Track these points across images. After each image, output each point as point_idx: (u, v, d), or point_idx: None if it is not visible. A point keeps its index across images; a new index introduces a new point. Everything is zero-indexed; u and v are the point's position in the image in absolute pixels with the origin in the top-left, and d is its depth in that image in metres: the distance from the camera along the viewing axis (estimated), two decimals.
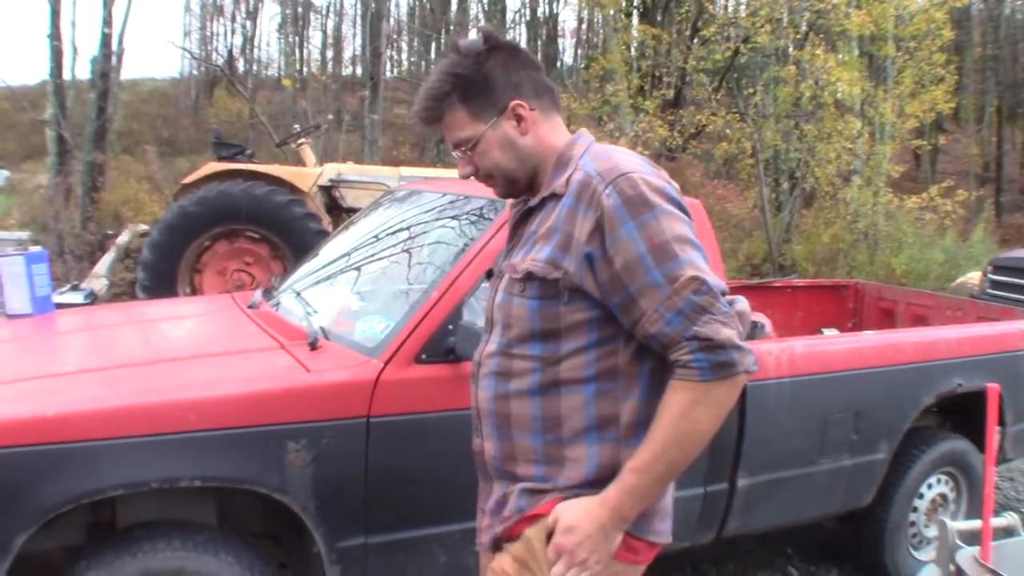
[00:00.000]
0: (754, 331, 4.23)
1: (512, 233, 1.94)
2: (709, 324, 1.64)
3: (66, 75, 16.63)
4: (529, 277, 1.76)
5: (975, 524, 2.62)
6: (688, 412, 1.65)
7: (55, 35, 16.09)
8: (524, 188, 1.90)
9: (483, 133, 1.83)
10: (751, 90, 15.24)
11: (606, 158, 1.77)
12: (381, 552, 2.84)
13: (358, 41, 43.36)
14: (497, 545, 1.89)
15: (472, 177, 1.90)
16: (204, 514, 2.79)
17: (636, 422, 1.75)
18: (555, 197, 1.80)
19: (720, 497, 3.44)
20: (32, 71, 38.66)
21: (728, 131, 14.23)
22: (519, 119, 1.84)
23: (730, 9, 18.19)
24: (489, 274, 2.05)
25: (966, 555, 2.52)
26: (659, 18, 18.98)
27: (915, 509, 4.06)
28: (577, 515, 1.69)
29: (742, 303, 1.83)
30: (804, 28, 14.62)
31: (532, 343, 1.78)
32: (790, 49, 15.10)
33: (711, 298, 1.65)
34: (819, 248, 13.60)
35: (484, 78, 1.81)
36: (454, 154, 1.91)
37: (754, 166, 14.42)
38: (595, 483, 1.74)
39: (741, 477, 3.45)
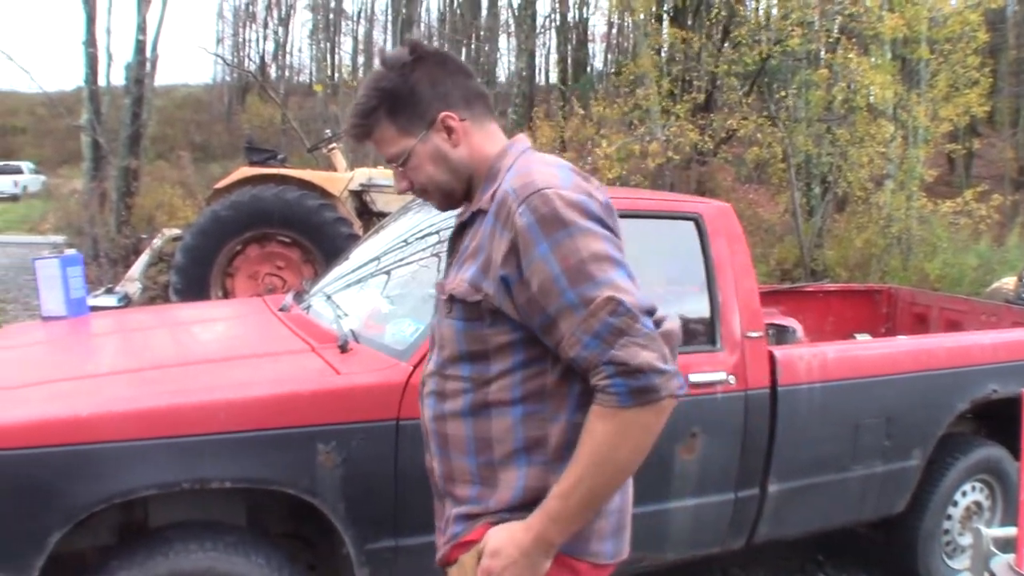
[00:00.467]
0: (785, 335, 4.21)
1: (450, 247, 1.90)
2: (626, 347, 1.56)
3: (101, 81, 16.85)
4: (452, 299, 1.73)
5: (1010, 531, 2.59)
6: (608, 439, 1.58)
7: (91, 42, 16.30)
8: (461, 200, 1.85)
9: (413, 147, 1.77)
10: (782, 94, 15.13)
11: (524, 172, 1.70)
12: (411, 554, 2.84)
13: (389, 46, 43.57)
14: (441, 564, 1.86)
15: (410, 192, 1.85)
16: (234, 515, 2.81)
17: (565, 444, 1.68)
18: (482, 213, 1.74)
19: (751, 502, 3.43)
20: (68, 77, 39.21)
21: (759, 135, 14.14)
22: (449, 131, 1.78)
23: (761, 12, 18.09)
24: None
25: (1001, 562, 2.49)
26: (689, 22, 18.91)
27: (949, 516, 4.01)
28: (502, 539, 1.65)
29: (672, 322, 1.71)
30: (836, 31, 14.51)
31: (462, 364, 1.74)
32: (822, 53, 14.99)
33: (629, 319, 1.56)
34: (851, 253, 13.49)
35: (410, 91, 1.76)
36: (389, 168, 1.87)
37: (785, 170, 14.34)
38: (523, 506, 1.68)
39: (772, 482, 3.43)
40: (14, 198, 31.82)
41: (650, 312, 1.62)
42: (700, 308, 3.39)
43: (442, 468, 1.81)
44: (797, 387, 3.41)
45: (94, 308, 4.32)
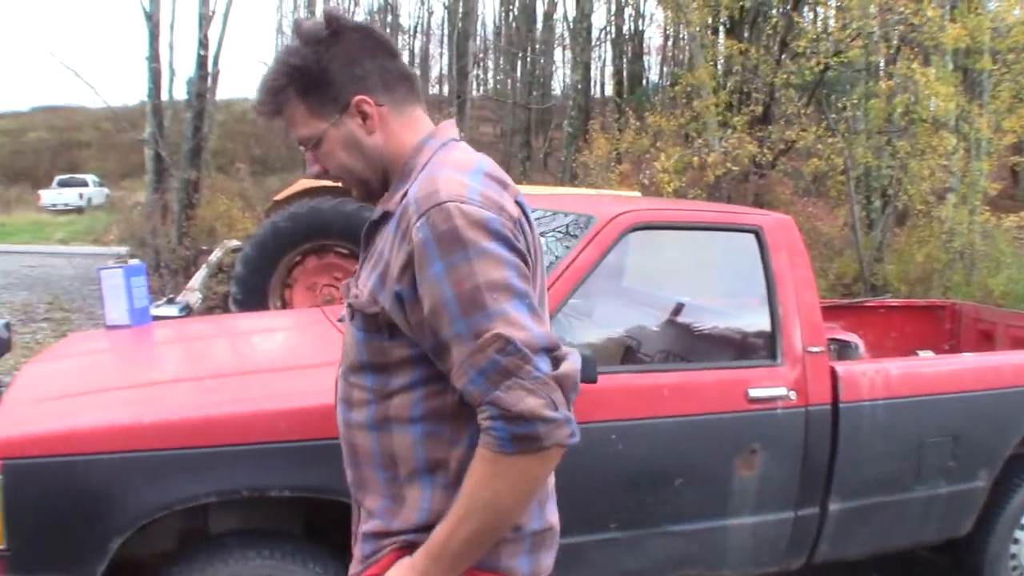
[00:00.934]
0: (847, 351, 4.14)
1: (365, 245, 1.72)
2: (511, 390, 1.43)
3: (164, 96, 17.18)
4: (352, 309, 1.63)
5: None
6: (487, 482, 1.47)
7: (154, 57, 16.64)
8: (379, 191, 1.69)
9: (325, 131, 1.63)
10: (841, 105, 14.94)
11: (430, 178, 1.54)
12: None
13: (444, 60, 43.89)
14: None
15: (322, 177, 1.71)
16: (292, 523, 2.83)
17: (465, 471, 1.53)
18: (389, 216, 1.61)
19: (811, 521, 3.37)
20: (132, 92, 40.07)
21: (819, 147, 13.97)
22: (364, 116, 1.63)
23: (819, 23, 17.90)
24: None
25: None
26: (746, 33, 18.79)
27: (1016, 540, 3.90)
28: None
29: (571, 363, 1.52)
30: (896, 42, 14.30)
31: (364, 374, 1.63)
32: (881, 63, 14.78)
33: (518, 360, 1.43)
34: (912, 268, 13.23)
35: (323, 70, 1.60)
36: (300, 149, 1.71)
37: (844, 183, 14.12)
38: (428, 528, 1.56)
39: (833, 501, 3.37)
40: (79, 210, 32.59)
41: (550, 349, 1.48)
42: (760, 322, 3.34)
43: (353, 476, 1.71)
44: (859, 404, 3.35)
45: (156, 318, 4.39)
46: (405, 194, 1.57)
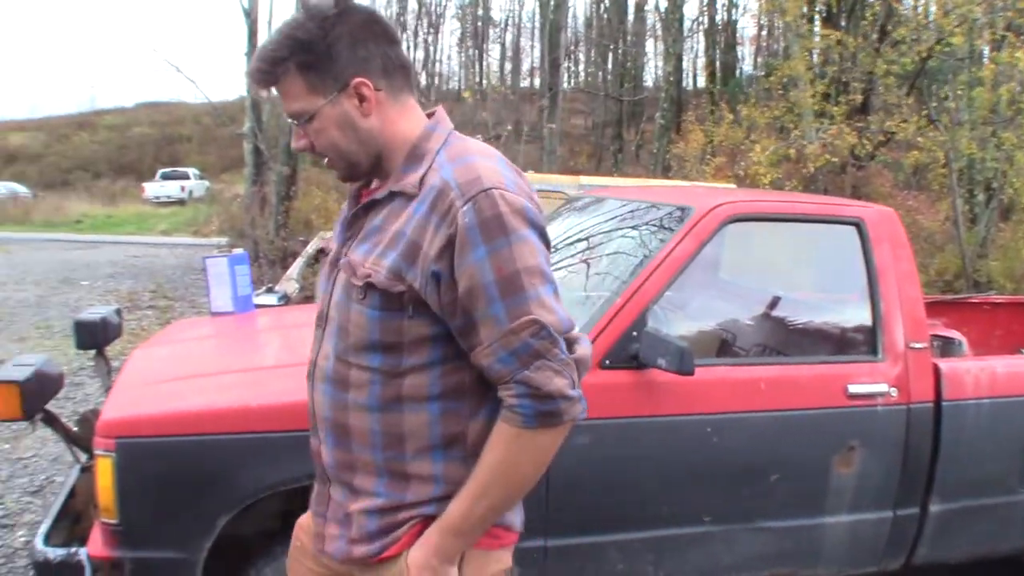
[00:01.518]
0: (951, 348, 4.03)
1: (351, 221, 1.74)
2: (541, 371, 1.54)
3: (262, 91, 17.53)
4: (371, 287, 1.60)
5: None
6: (509, 456, 1.58)
7: (252, 53, 16.98)
8: (366, 173, 1.72)
9: (320, 108, 1.63)
10: (944, 95, 14.50)
11: (467, 165, 1.60)
12: (560, 556, 2.86)
13: (536, 53, 43.85)
14: (351, 561, 1.75)
15: (308, 152, 1.71)
16: None
17: (482, 442, 1.62)
18: (405, 196, 1.63)
19: (910, 522, 3.29)
20: (231, 88, 41.05)
21: (920, 139, 13.58)
22: (361, 98, 1.64)
23: (920, 9, 17.38)
24: (320, 251, 1.84)
25: None
26: (843, 22, 18.35)
27: None
28: (419, 561, 1.62)
29: (584, 347, 1.68)
30: (1002, 28, 13.80)
31: (372, 354, 1.63)
32: (986, 51, 14.29)
33: (549, 344, 1.54)
34: (1018, 264, 12.79)
35: (327, 47, 1.61)
36: (289, 121, 1.70)
37: (947, 176, 13.72)
38: (444, 498, 1.63)
39: (934, 502, 3.29)
40: (181, 202, 33.62)
41: (568, 331, 1.58)
42: (861, 316, 3.28)
43: (336, 457, 1.72)
44: (963, 402, 3.26)
45: (258, 306, 4.50)
46: (424, 178, 1.61)
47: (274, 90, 1.67)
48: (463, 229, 1.52)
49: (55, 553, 2.68)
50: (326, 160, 1.70)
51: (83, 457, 3.24)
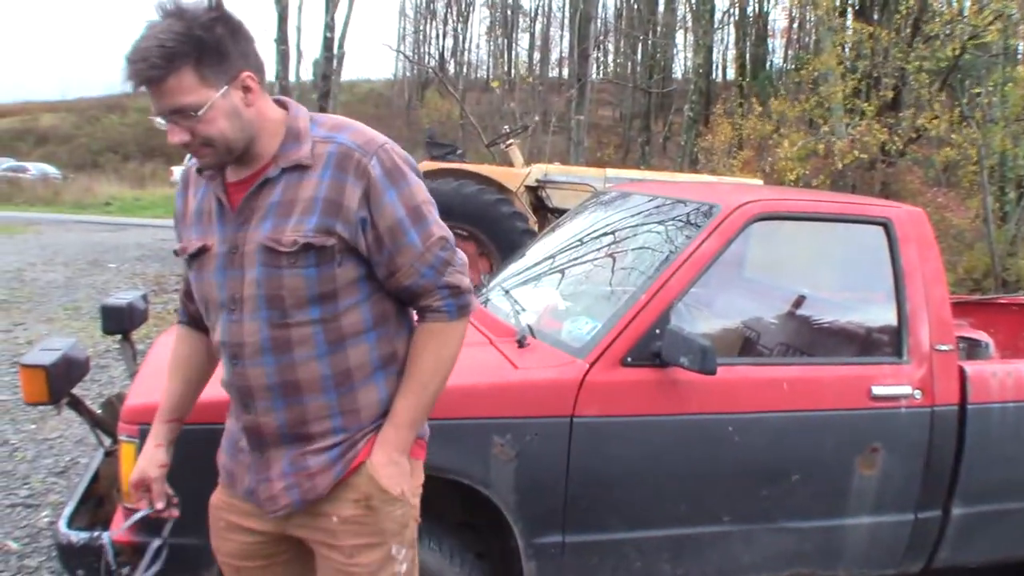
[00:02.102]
0: (977, 351, 4.00)
1: (240, 208, 1.90)
2: (453, 275, 1.96)
3: (291, 77, 17.68)
4: (307, 248, 1.83)
5: None
6: (440, 348, 1.98)
7: (282, 39, 17.11)
8: (236, 158, 1.88)
9: (212, 100, 1.77)
10: (977, 91, 14.33)
11: (355, 130, 1.92)
12: (577, 552, 2.86)
13: (565, 43, 43.79)
14: (314, 499, 1.96)
15: (184, 145, 1.82)
16: None
17: (407, 354, 2.01)
18: (299, 168, 1.86)
19: (932, 524, 3.27)
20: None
21: (953, 135, 13.43)
22: (246, 90, 1.83)
23: (954, 4, 17.19)
24: (193, 254, 1.97)
25: None
26: (876, 16, 18.18)
27: None
28: (383, 462, 1.95)
29: (461, 252, 2.05)
30: None
31: (311, 308, 1.87)
32: (1021, 47, 14.12)
33: (452, 253, 1.97)
34: None
35: (217, 43, 1.76)
36: (158, 121, 1.82)
37: (977, 173, 13.58)
38: (387, 412, 1.98)
39: (956, 505, 3.26)
40: None
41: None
42: (886, 317, 3.26)
43: (288, 417, 1.93)
44: (989, 406, 3.23)
45: None
46: (312, 150, 1.87)
47: (142, 88, 1.76)
48: (375, 179, 1.86)
49: (78, 536, 2.70)
50: (198, 151, 1.84)
51: (107, 441, 3.27)
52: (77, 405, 3.15)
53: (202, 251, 1.95)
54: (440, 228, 1.96)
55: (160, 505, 2.14)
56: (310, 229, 1.83)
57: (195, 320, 2.17)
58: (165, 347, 3.36)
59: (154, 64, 1.71)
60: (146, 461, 2.13)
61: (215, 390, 2.58)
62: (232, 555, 2.12)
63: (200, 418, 2.37)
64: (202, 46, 1.74)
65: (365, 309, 1.94)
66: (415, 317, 2.05)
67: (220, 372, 2.25)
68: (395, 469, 1.97)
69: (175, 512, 2.18)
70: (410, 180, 1.92)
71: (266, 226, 1.86)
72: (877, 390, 3.07)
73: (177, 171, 35.17)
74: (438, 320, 1.97)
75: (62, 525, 2.77)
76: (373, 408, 1.98)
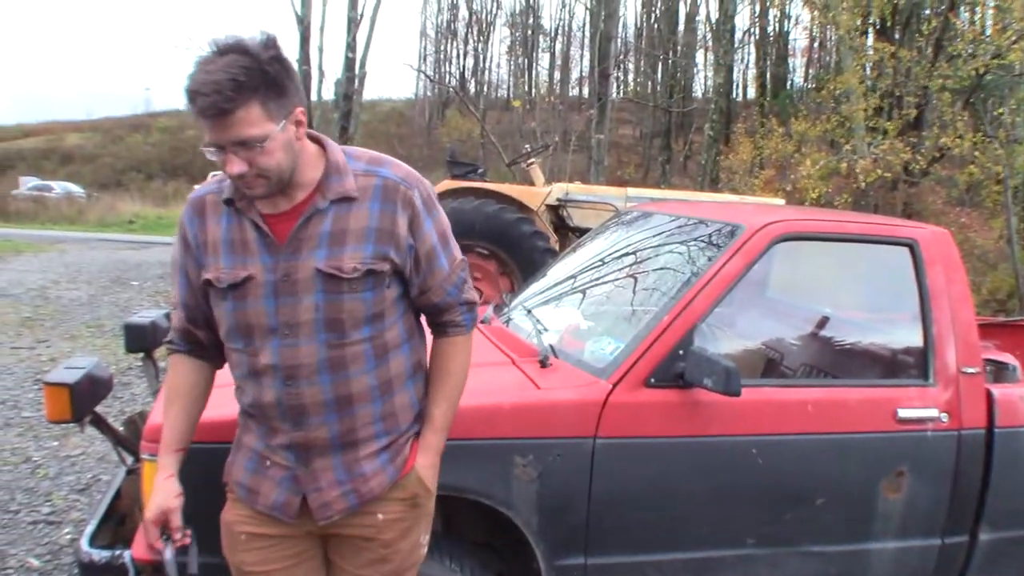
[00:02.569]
0: (1004, 373, 3.95)
1: (289, 238, 1.99)
2: (469, 291, 2.24)
3: (313, 96, 17.78)
4: (368, 274, 1.99)
5: None
6: (464, 359, 2.26)
7: (304, 60, 17.26)
8: (283, 189, 1.98)
9: (273, 133, 1.86)
10: (1000, 111, 14.25)
11: (393, 164, 2.11)
12: (599, 574, 2.83)
13: (585, 62, 43.93)
14: (371, 500, 2.12)
15: (239, 176, 1.89)
16: (432, 520, 2.88)
17: (427, 362, 2.25)
18: (348, 200, 2.00)
19: (958, 550, 3.22)
20: None
21: (976, 154, 13.35)
22: (298, 124, 1.94)
23: (977, 23, 17.12)
24: (236, 283, 2.02)
25: None
26: (897, 35, 18.11)
27: None
28: (429, 464, 2.20)
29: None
30: None
31: (364, 328, 2.04)
32: None
33: (466, 272, 2.23)
34: None
35: (278, 79, 1.86)
36: (210, 151, 1.90)
37: (1001, 193, 13.49)
38: (419, 413, 2.21)
39: (983, 530, 3.22)
40: None
41: None
42: (912, 339, 3.22)
43: (340, 428, 2.06)
44: (1017, 429, 3.19)
45: None
46: (356, 183, 2.02)
47: (205, 120, 1.83)
48: (418, 208, 2.07)
49: (100, 554, 2.71)
50: (251, 181, 1.91)
51: (129, 459, 3.28)
52: (100, 423, 3.16)
53: (247, 280, 2.00)
54: (459, 250, 2.22)
55: (178, 536, 2.16)
56: (368, 256, 1.99)
57: (196, 348, 2.23)
58: None
59: (227, 96, 1.79)
60: (163, 495, 2.14)
61: (223, 411, 2.59)
62: (257, 563, 2.18)
63: (212, 437, 2.39)
64: (267, 81, 1.84)
65: (401, 325, 2.14)
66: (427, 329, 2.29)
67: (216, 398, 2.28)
68: (435, 470, 2.23)
69: (187, 540, 2.19)
70: (439, 209, 2.16)
71: (320, 254, 1.98)
72: (903, 413, 3.04)
73: None
74: (459, 334, 2.24)
75: (84, 543, 2.77)
76: (407, 412, 2.17)
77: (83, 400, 2.93)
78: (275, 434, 2.09)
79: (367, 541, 2.16)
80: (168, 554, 2.16)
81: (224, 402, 2.77)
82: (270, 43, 1.88)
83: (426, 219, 2.09)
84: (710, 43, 35.26)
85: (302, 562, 2.20)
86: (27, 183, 36.86)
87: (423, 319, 2.28)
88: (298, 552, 2.18)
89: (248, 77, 1.80)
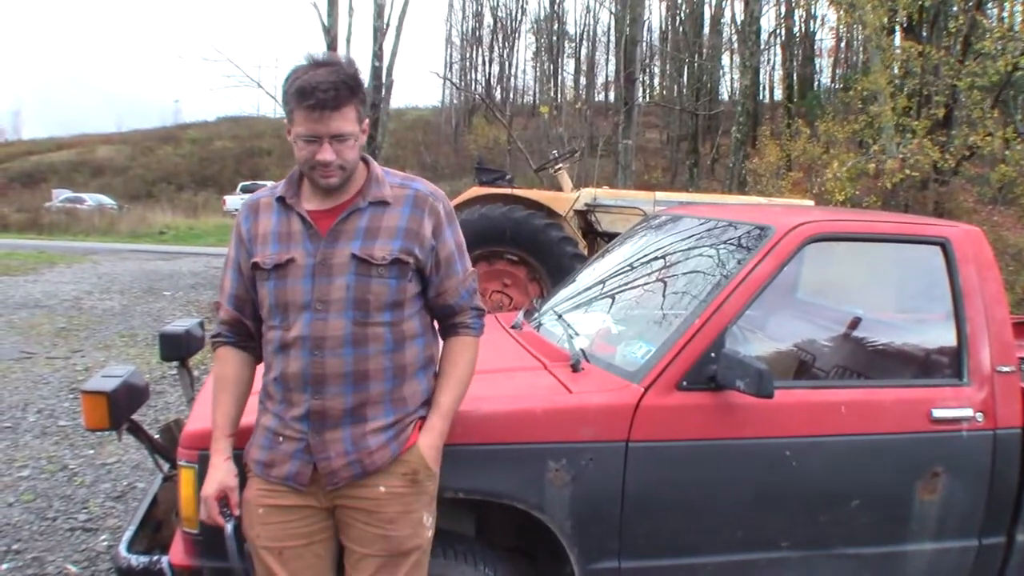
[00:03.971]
0: None
1: (331, 229, 2.31)
2: (478, 299, 2.53)
3: None
4: (395, 262, 2.30)
5: None
6: (472, 358, 2.50)
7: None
8: (341, 186, 2.32)
9: (356, 133, 2.27)
10: None
11: (422, 180, 2.47)
12: None
13: (611, 67, 43.89)
14: (373, 471, 2.32)
15: (326, 164, 2.23)
16: (464, 525, 2.89)
17: (437, 357, 2.50)
18: (383, 203, 2.34)
19: (996, 551, 3.18)
20: None
21: (1007, 152, 13.19)
22: (363, 132, 2.32)
23: (1005, 20, 16.93)
24: (280, 264, 2.31)
25: None
26: (925, 34, 17.96)
27: None
28: (432, 445, 2.39)
29: None
30: None
31: (385, 312, 2.31)
32: None
33: (476, 283, 2.52)
34: None
35: (365, 94, 2.32)
36: (302, 142, 2.23)
37: None
38: (427, 401, 2.43)
39: (1021, 532, 3.17)
40: None
41: None
42: (945, 338, 3.20)
43: (354, 401, 2.29)
44: None
45: None
46: (393, 192, 2.37)
47: (317, 112, 2.19)
48: (441, 217, 2.41)
49: (138, 560, 2.74)
50: (332, 171, 2.27)
51: (165, 467, 3.32)
52: (137, 431, 3.20)
53: (289, 262, 2.30)
54: (471, 264, 2.55)
55: (238, 512, 2.39)
56: (396, 249, 2.30)
57: (243, 339, 2.50)
58: None
59: (343, 94, 2.19)
60: (223, 473, 2.38)
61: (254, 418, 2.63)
62: (274, 538, 2.35)
63: (240, 444, 2.43)
64: (362, 90, 2.27)
65: (417, 319, 2.41)
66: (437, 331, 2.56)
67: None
68: (437, 452, 2.41)
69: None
70: (457, 224, 2.50)
71: (355, 244, 2.29)
72: (938, 413, 3.01)
73: (230, 200, 35.91)
74: (469, 335, 2.52)
75: (122, 549, 2.81)
76: (416, 398, 2.40)
77: (120, 408, 2.97)
78: (292, 406, 2.33)
79: (370, 515, 2.34)
80: (229, 528, 2.37)
81: (250, 409, 2.80)
82: (355, 64, 2.28)
83: (447, 228, 2.43)
84: (736, 45, 35.11)
85: (313, 543, 2.37)
86: (59, 195, 37.36)
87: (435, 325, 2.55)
88: (310, 532, 2.36)
89: (354, 82, 2.22)
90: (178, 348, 3.68)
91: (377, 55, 17.41)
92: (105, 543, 4.39)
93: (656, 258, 3.67)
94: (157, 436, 3.43)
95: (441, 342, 2.53)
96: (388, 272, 2.30)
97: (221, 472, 2.37)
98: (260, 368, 2.49)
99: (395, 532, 2.34)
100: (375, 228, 2.32)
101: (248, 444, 2.42)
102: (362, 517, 2.34)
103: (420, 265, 2.36)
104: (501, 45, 54.31)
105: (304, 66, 2.24)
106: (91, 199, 36.55)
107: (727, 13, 40.63)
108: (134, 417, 3.16)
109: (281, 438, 2.34)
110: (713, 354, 2.79)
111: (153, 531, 3.08)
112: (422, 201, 2.38)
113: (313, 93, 2.16)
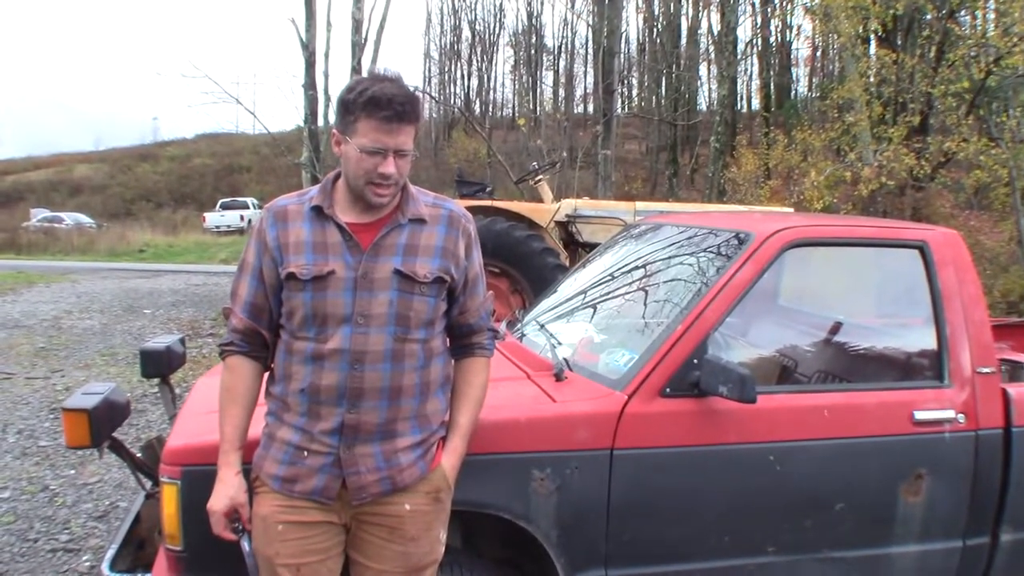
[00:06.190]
0: (1020, 373, 3.94)
1: (375, 243, 2.30)
2: (493, 322, 2.59)
3: (320, 121, 17.83)
4: (436, 281, 2.33)
5: None
6: (486, 377, 2.54)
7: (310, 85, 17.33)
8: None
9: (411, 150, 2.29)
10: (1004, 116, 14.23)
11: (453, 202, 2.50)
12: None
13: (589, 79, 44.04)
14: (402, 489, 2.33)
15: (386, 176, 2.24)
16: (450, 536, 2.88)
17: (452, 377, 2.51)
18: (421, 221, 2.36)
19: (980, 552, 3.20)
20: (289, 118, 41.89)
21: (982, 157, 13.32)
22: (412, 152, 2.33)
23: (978, 27, 17.10)
24: (320, 276, 2.27)
25: None
26: (899, 42, 18.11)
27: None
28: (453, 465, 2.43)
29: None
30: None
31: (421, 329, 2.33)
32: None
33: (492, 305, 2.57)
34: None
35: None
36: (368, 152, 2.22)
37: (1009, 195, 13.45)
38: (444, 421, 2.44)
39: (1004, 532, 3.20)
40: (240, 231, 34.16)
41: None
42: (926, 341, 3.22)
43: (386, 415, 2.29)
44: None
45: None
46: (430, 211, 2.40)
47: (393, 124, 2.21)
48: (472, 239, 2.47)
49: None
50: (387, 186, 2.28)
51: (148, 484, 3.29)
52: (118, 448, 3.18)
53: (329, 274, 2.26)
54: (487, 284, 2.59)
55: (249, 527, 2.35)
56: (435, 268, 2.33)
57: (255, 348, 2.42)
58: (206, 389, 3.38)
59: (415, 109, 2.23)
60: (235, 489, 2.33)
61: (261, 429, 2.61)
62: (293, 555, 2.29)
63: (245, 459, 2.39)
64: (421, 113, 2.30)
65: (440, 338, 2.44)
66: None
67: (264, 411, 2.27)
68: (457, 471, 2.45)
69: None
70: (479, 244, 2.54)
71: (396, 260, 2.30)
72: (920, 415, 3.03)
73: (210, 217, 35.76)
74: (484, 355, 2.54)
75: (105, 568, 2.79)
76: (437, 416, 2.41)
77: (101, 425, 2.94)
78: (320, 420, 2.28)
79: (392, 532, 2.33)
80: (245, 544, 2.34)
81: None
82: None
83: (475, 249, 2.49)
84: (713, 56, 35.31)
85: (328, 559, 2.34)
86: (38, 215, 37.12)
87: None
88: (328, 547, 2.33)
89: (418, 103, 2.26)
90: (159, 365, 3.66)
91: (356, 70, 17.38)
92: (87, 563, 4.35)
93: (637, 267, 3.68)
94: (139, 454, 3.41)
95: (453, 361, 2.53)
96: (430, 290, 2.32)
97: (232, 487, 2.32)
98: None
99: (416, 549, 2.35)
100: (414, 245, 2.33)
101: (259, 458, 2.36)
102: (383, 534, 2.34)
103: (454, 285, 2.40)
104: (480, 58, 54.42)
105: (368, 78, 2.27)
106: (69, 218, 36.32)
107: (704, 24, 40.90)
108: (115, 435, 3.13)
109: (306, 452, 2.29)
110: (696, 360, 2.79)
111: (136, 549, 3.06)
112: (456, 221, 2.42)
113: (390, 104, 2.18)
